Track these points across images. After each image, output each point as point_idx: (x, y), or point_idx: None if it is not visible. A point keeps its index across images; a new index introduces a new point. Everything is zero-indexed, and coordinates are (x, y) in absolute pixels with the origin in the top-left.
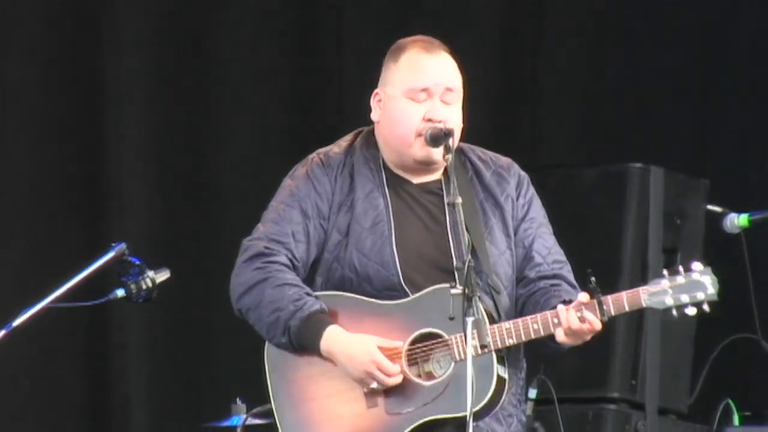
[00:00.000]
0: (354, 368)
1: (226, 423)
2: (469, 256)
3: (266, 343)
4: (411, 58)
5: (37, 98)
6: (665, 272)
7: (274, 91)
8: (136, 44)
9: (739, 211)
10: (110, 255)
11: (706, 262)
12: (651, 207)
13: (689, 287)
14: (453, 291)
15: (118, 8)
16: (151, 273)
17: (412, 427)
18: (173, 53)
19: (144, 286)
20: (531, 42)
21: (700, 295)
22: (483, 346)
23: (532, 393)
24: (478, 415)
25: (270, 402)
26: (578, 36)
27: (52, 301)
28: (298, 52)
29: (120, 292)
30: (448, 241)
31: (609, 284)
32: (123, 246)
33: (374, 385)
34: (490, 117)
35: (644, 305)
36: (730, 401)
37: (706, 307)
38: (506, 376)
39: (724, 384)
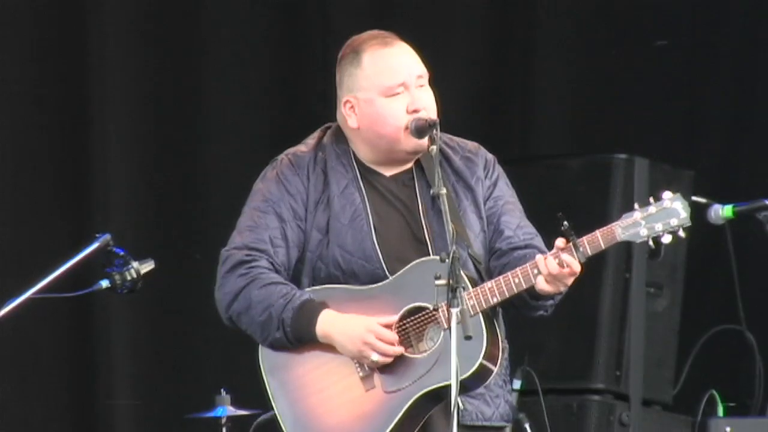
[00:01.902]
0: (352, 343)
1: (211, 414)
2: (454, 247)
3: (260, 347)
4: (374, 57)
5: (20, 89)
6: (636, 205)
7: (260, 80)
8: (121, 35)
9: (724, 202)
10: (95, 246)
11: (692, 253)
12: (635, 198)
13: (662, 215)
14: (437, 282)
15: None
16: (135, 264)
17: (411, 401)
18: (159, 45)
19: (128, 277)
20: (520, 33)
21: (674, 221)
22: (467, 338)
23: (517, 384)
24: (467, 385)
25: (272, 406)
26: (567, 27)
27: (36, 292)
28: (282, 41)
29: (104, 283)
30: (423, 230)
31: (593, 275)
32: (107, 237)
33: (374, 357)
34: (479, 108)
35: (619, 239)
36: (714, 392)
37: (681, 233)
38: (500, 343)
39: (708, 375)
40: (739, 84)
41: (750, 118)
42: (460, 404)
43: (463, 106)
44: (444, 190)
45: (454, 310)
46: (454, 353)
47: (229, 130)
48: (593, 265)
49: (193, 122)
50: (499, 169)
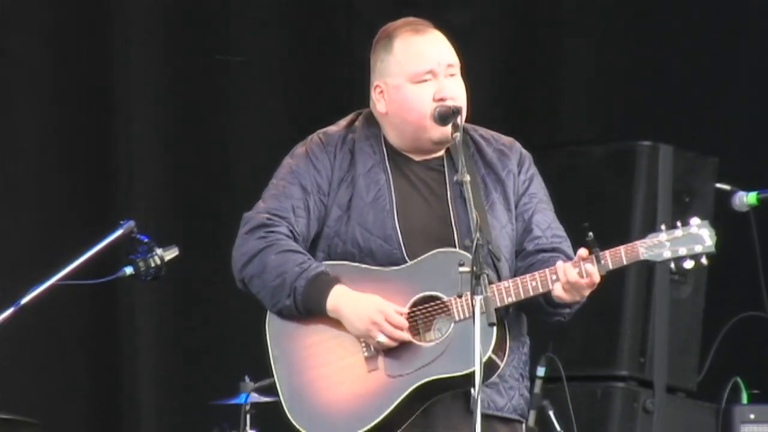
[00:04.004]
0: (360, 321)
1: (234, 401)
2: (478, 234)
3: (267, 313)
4: (405, 43)
5: (46, 74)
6: (662, 226)
7: (285, 69)
8: (146, 21)
9: (749, 189)
10: (119, 232)
11: (716, 240)
12: (660, 185)
13: (687, 240)
14: (461, 269)
15: None
16: (159, 250)
17: (413, 387)
18: (183, 32)
19: (152, 264)
20: (544, 21)
21: (698, 248)
22: (491, 324)
23: (541, 371)
24: (473, 378)
25: (271, 372)
26: (591, 15)
27: (61, 279)
28: (307, 30)
29: (128, 270)
30: (450, 215)
31: None
32: (132, 223)
33: (381, 338)
34: (503, 95)
35: (642, 258)
36: (738, 379)
37: (704, 260)
38: (507, 341)
39: (732, 362)
40: (764, 71)
41: None
42: (473, 393)
43: (487, 93)
44: (468, 178)
45: (478, 298)
46: (477, 341)
47: (253, 119)
48: None
49: (218, 110)
50: (534, 167)
